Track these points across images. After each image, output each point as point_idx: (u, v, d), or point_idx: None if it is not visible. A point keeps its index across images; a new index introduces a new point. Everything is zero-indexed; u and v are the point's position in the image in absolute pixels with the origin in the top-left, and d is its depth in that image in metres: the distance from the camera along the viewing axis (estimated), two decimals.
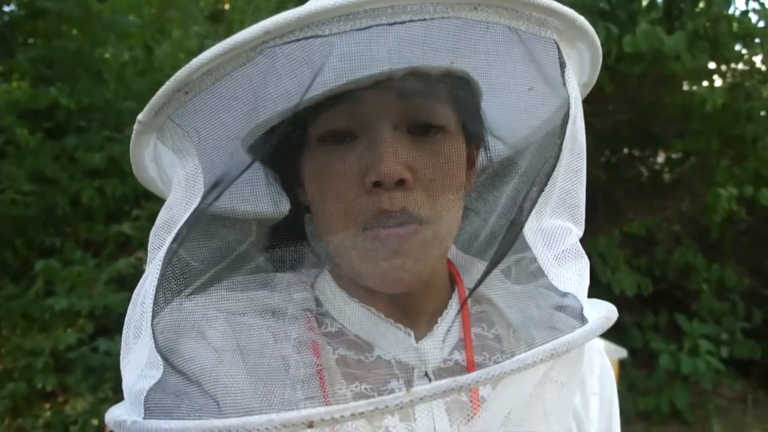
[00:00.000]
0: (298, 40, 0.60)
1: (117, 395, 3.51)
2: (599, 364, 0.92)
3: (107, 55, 4.98)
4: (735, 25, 4.13)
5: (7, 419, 4.11)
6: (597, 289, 4.42)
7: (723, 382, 4.91)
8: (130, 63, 5.12)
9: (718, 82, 4.61)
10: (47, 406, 4.24)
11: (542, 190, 0.68)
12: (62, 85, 4.69)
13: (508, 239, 0.71)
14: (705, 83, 4.46)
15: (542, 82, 0.72)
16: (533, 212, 0.69)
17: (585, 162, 0.73)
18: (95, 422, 3.82)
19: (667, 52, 3.54)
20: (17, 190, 4.38)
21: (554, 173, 0.69)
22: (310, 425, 0.52)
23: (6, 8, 5.69)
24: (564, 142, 0.69)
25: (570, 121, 0.69)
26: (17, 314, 4.24)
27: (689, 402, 4.55)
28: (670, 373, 4.42)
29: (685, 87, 4.66)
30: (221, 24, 6.52)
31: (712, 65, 4.39)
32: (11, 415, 4.13)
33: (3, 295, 4.31)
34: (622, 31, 3.48)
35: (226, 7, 7.07)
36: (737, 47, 4.37)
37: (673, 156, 5.31)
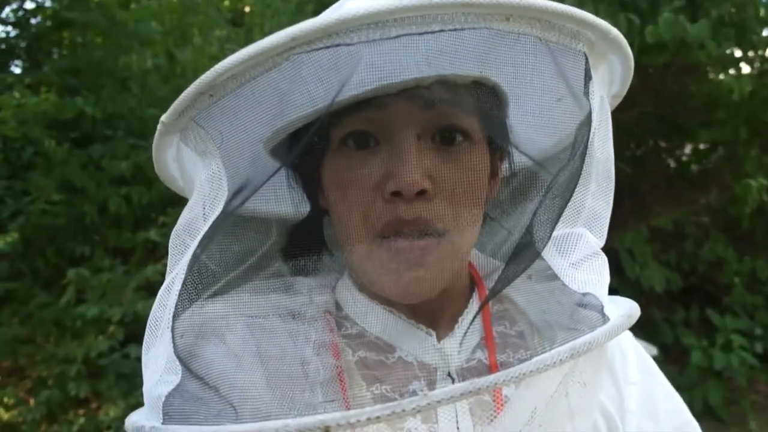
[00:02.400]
0: (325, 47, 0.59)
1: None
2: (633, 352, 0.89)
3: (134, 58, 5.05)
4: (762, 10, 4.03)
5: (42, 426, 4.20)
6: (625, 286, 4.35)
7: (758, 378, 4.79)
8: (153, 70, 5.20)
9: (745, 69, 4.50)
10: (81, 412, 4.31)
11: (565, 206, 0.68)
12: (88, 95, 4.77)
13: (528, 256, 0.69)
14: (731, 71, 4.36)
15: (567, 94, 0.71)
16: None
17: (613, 176, 0.73)
18: None
19: (691, 41, 3.46)
20: (46, 200, 4.47)
21: (578, 187, 0.68)
22: (327, 430, 0.51)
23: (33, 21, 5.82)
24: (587, 154, 0.68)
25: (592, 134, 0.68)
26: (50, 322, 4.33)
27: (723, 399, 4.45)
28: (702, 370, 4.34)
29: (711, 75, 4.56)
30: (242, 27, 6.58)
31: (738, 52, 4.29)
32: (47, 421, 4.22)
33: (36, 303, 4.41)
34: (643, 21, 3.42)
35: (247, 9, 7.13)
36: (765, 33, 4.26)
37: (701, 147, 5.20)
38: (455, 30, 0.60)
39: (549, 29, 0.64)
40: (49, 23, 5.69)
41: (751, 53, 4.50)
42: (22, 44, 5.91)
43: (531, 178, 0.80)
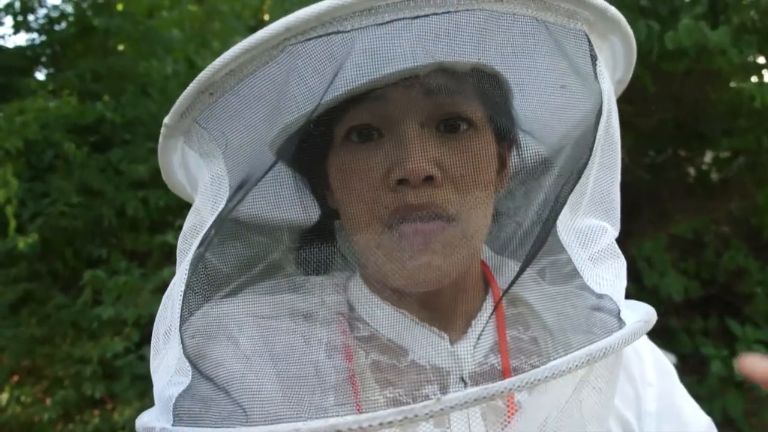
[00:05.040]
0: (319, 36, 0.59)
1: None
2: (649, 353, 0.88)
3: (155, 64, 5.10)
4: None
5: (58, 425, 4.24)
6: (643, 294, 4.30)
7: None
8: (173, 76, 5.25)
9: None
10: (96, 412, 4.34)
11: (573, 187, 0.66)
12: (108, 100, 4.83)
13: (541, 237, 0.68)
14: (754, 78, 4.30)
15: (573, 77, 0.70)
16: (567, 211, 0.66)
17: (619, 158, 0.71)
18: None
19: (712, 48, 3.42)
20: (66, 203, 4.52)
21: (587, 170, 0.66)
22: None
23: (57, 27, 5.90)
24: (597, 137, 0.66)
25: (603, 116, 0.66)
26: (67, 323, 4.37)
27: (744, 410, 4.37)
28: (722, 380, 4.26)
29: (733, 83, 4.50)
30: None
31: (761, 59, 4.23)
32: (62, 421, 4.25)
33: (53, 304, 4.45)
34: (663, 27, 3.39)
35: (266, 17, 7.18)
36: None
37: (721, 155, 5.13)
38: (449, 13, 0.60)
39: (544, 9, 0.63)
40: (72, 30, 5.76)
41: None
42: (47, 51, 5.99)
43: (541, 166, 0.78)
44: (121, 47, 5.80)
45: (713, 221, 4.92)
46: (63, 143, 4.55)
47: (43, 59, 6.02)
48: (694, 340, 4.63)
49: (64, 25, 5.85)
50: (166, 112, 0.68)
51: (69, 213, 4.56)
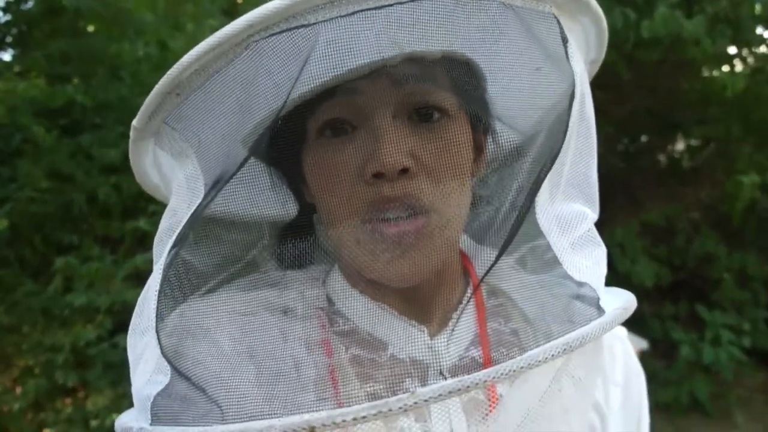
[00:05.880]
0: (283, 31, 0.58)
1: None
2: (621, 351, 0.89)
3: (126, 47, 4.99)
4: (757, 7, 4.03)
5: (29, 414, 4.17)
6: (615, 280, 4.37)
7: (745, 373, 4.83)
8: (145, 59, 5.13)
9: (739, 66, 4.51)
10: (68, 401, 4.29)
11: (549, 170, 0.66)
12: (78, 83, 4.72)
13: (517, 223, 0.68)
14: (725, 68, 4.37)
15: (545, 60, 0.70)
16: (546, 196, 0.66)
17: (595, 140, 0.71)
18: (115, 417, 3.86)
19: (687, 37, 3.47)
20: (35, 188, 4.42)
21: (562, 153, 0.66)
22: (312, 430, 0.50)
23: (23, 6, 5.72)
24: (571, 120, 0.66)
25: (576, 99, 0.66)
26: (37, 311, 4.28)
27: (710, 393, 4.49)
28: (690, 364, 4.37)
29: (705, 72, 4.57)
30: (235, 17, 6.49)
31: (733, 50, 4.30)
32: (33, 410, 4.19)
33: (23, 291, 4.36)
34: (640, 16, 3.42)
35: (239, 0, 7.06)
36: (759, 30, 4.27)
37: (693, 143, 5.22)
38: (413, 1, 0.59)
39: None
40: (39, 9, 5.59)
41: (745, 51, 4.51)
42: (13, 31, 5.82)
43: (517, 150, 0.78)
44: (91, 28, 5.66)
45: (684, 208, 5.01)
46: (31, 127, 4.43)
47: (9, 39, 5.84)
48: (664, 325, 4.73)
49: (30, 3, 5.68)
50: (138, 96, 0.67)
51: (38, 198, 4.46)
